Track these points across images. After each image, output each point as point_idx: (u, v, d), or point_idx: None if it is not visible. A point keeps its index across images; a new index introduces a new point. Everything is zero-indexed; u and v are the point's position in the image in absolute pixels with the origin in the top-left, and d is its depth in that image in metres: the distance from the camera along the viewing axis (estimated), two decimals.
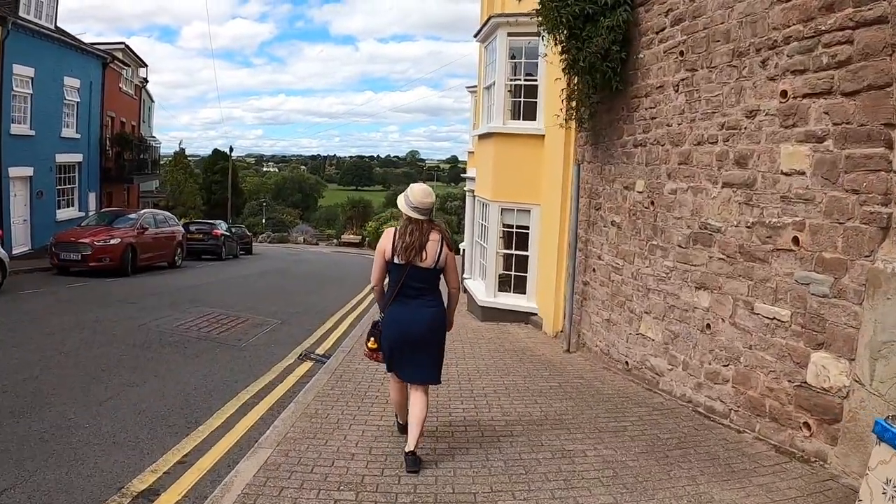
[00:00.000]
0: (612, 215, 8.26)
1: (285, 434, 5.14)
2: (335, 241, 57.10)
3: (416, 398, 4.62)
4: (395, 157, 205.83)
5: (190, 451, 5.15)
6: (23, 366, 7.20)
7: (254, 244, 42.70)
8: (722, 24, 6.07)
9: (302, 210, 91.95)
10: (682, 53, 6.86)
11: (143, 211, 20.06)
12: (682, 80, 6.86)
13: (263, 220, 70.76)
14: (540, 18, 8.37)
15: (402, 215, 4.63)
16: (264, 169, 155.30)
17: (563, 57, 8.39)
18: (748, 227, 5.69)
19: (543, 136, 10.92)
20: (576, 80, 8.50)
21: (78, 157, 23.14)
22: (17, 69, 19.07)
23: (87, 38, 25.36)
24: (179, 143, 72.63)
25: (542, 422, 5.74)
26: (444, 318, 4.72)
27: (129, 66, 28.72)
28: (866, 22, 4.42)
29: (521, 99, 11.39)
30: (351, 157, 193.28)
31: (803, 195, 5.00)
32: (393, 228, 4.66)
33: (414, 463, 4.47)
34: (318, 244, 56.22)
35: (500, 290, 11.51)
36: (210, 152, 65.66)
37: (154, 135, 38.26)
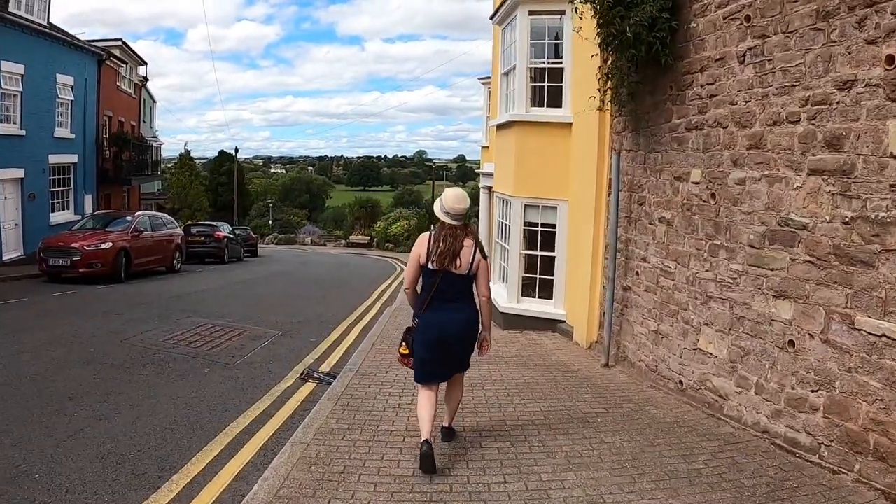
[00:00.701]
0: (659, 210, 7.15)
1: (277, 490, 4.04)
2: (343, 241, 56.05)
3: (455, 385, 4.93)
4: (402, 156, 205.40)
5: None
6: None
7: (260, 246, 41.82)
8: None
9: (309, 211, 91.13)
10: (747, 19, 5.76)
11: (138, 213, 19.00)
12: (750, 49, 5.76)
13: (270, 222, 69.84)
14: None
15: (436, 220, 4.68)
16: (272, 170, 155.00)
17: (601, 31, 7.30)
18: (845, 224, 4.59)
19: (571, 123, 9.81)
20: (615, 57, 7.39)
21: (73, 158, 22.16)
22: (6, 66, 18.14)
23: (86, 38, 24.44)
24: (185, 145, 71.66)
25: (597, 465, 4.63)
26: (477, 322, 4.74)
27: (126, 63, 27.71)
28: None
29: (546, 84, 10.28)
30: (358, 157, 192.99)
31: None
32: (427, 234, 4.69)
33: (449, 434, 4.99)
34: (325, 245, 55.25)
35: (523, 294, 10.40)
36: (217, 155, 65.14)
37: (156, 135, 37.39)
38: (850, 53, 4.61)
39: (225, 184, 58.88)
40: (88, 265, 15.05)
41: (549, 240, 10.17)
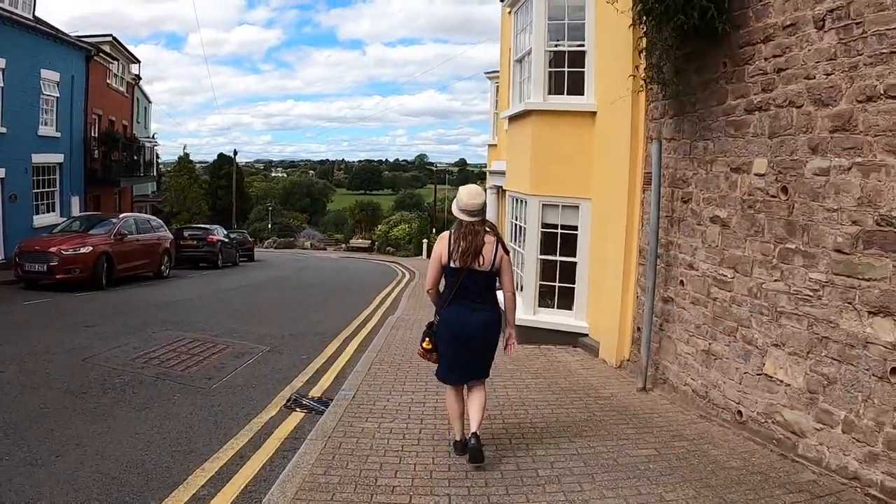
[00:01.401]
0: (711, 208, 6.05)
1: None
2: (343, 245, 54.87)
3: (476, 392, 4.73)
4: (403, 160, 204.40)
5: None
6: None
7: (258, 250, 40.75)
8: None
9: (310, 215, 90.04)
10: None
11: (122, 215, 17.86)
12: (830, 11, 4.70)
13: (269, 225, 68.73)
14: None
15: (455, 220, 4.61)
16: (273, 174, 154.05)
17: None
18: None
19: (594, 113, 8.72)
20: (656, 29, 6.31)
21: (58, 158, 21.04)
22: None
23: (81, 35, 23.35)
24: (184, 148, 70.65)
25: None
26: (498, 325, 4.67)
27: (117, 60, 26.60)
28: None
29: (565, 69, 9.19)
30: (360, 161, 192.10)
31: None
32: (448, 232, 4.62)
33: (478, 441, 4.50)
34: (325, 249, 54.10)
35: (539, 305, 9.29)
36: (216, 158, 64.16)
37: (153, 136, 36.34)
38: None
39: (224, 187, 57.95)
40: (66, 271, 13.94)
41: (569, 243, 9.07)
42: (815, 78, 4.83)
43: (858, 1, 4.45)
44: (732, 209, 5.70)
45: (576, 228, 8.96)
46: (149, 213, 31.15)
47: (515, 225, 10.18)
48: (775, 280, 5.16)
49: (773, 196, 5.21)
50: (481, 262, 4.46)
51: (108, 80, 25.93)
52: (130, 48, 28.80)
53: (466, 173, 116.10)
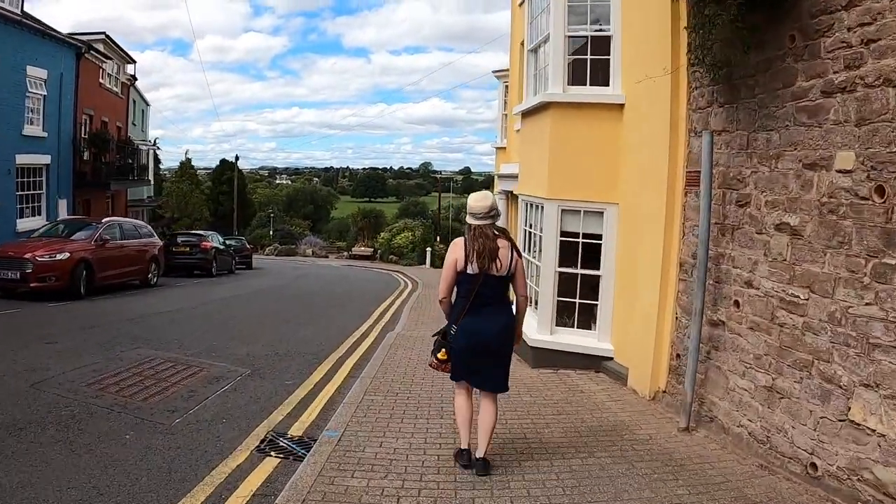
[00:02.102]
0: (776, 213, 4.99)
1: None
2: (346, 253, 53.76)
3: (487, 407, 4.59)
4: (408, 168, 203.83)
5: None
6: None
7: (259, 257, 39.72)
8: None
9: (313, 222, 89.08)
10: None
11: (106, 219, 16.81)
12: None
13: (271, 232, 67.75)
14: None
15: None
16: (277, 181, 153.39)
17: None
18: None
19: (622, 105, 7.68)
20: (704, 2, 5.28)
21: (44, 159, 20.00)
22: None
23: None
24: (185, 153, 69.72)
25: None
26: (514, 329, 4.63)
27: (111, 59, 25.60)
28: None
29: (588, 56, 8.15)
30: (364, 168, 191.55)
31: None
32: (462, 238, 4.57)
33: (484, 467, 4.48)
34: (327, 257, 53.02)
35: (557, 323, 8.23)
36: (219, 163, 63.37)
37: (154, 140, 35.43)
38: None
39: (226, 193, 57.21)
40: (41, 279, 12.88)
41: (591, 254, 8.01)
42: None
43: None
44: (806, 214, 4.64)
45: (599, 237, 7.91)
46: (145, 219, 30.25)
47: (529, 233, 9.12)
48: (867, 304, 4.10)
49: (863, 198, 4.16)
50: (499, 267, 4.42)
51: (100, 80, 24.95)
52: (133, 53, 27.93)
53: (471, 181, 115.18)
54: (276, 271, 29.77)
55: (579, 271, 8.05)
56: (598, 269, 7.96)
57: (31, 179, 19.71)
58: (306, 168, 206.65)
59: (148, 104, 36.70)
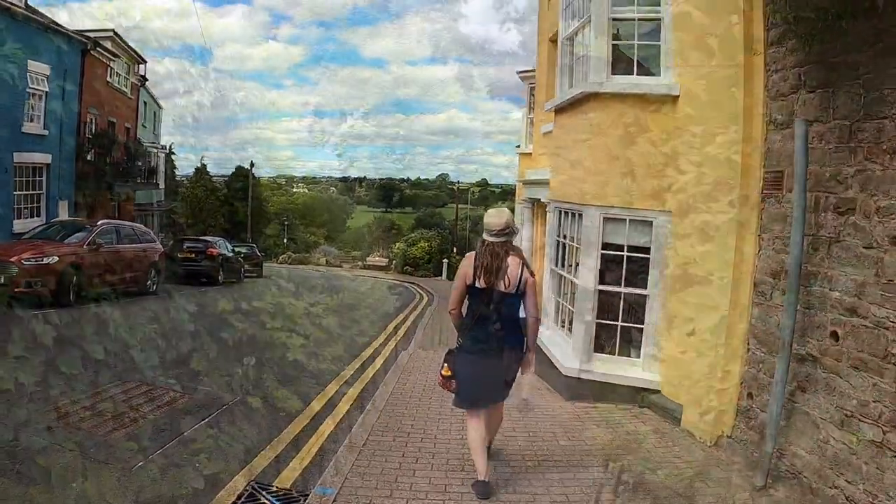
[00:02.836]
0: (893, 223, 3.87)
1: None
2: (360, 263, 52.73)
3: (494, 413, 4.73)
4: (424, 179, 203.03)
5: None
6: None
7: (272, 265, 38.73)
8: None
9: (329, 231, 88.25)
10: None
11: (101, 222, 15.82)
12: None
13: (285, 240, 66.99)
14: None
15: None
16: (294, 189, 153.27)
17: None
18: None
19: (676, 97, 6.58)
20: None
21: (45, 158, 19.11)
22: None
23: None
24: (201, 158, 68.87)
25: None
26: (521, 348, 4.54)
27: (119, 57, 24.78)
28: None
29: (635, 42, 7.09)
30: (381, 178, 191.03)
31: None
32: (474, 252, 4.58)
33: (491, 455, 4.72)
34: (341, 266, 52.01)
35: (595, 349, 7.12)
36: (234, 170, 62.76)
37: (164, 144, 34.66)
38: None
39: (241, 199, 56.46)
40: (26, 284, 11.91)
41: (637, 270, 6.91)
42: None
43: None
44: None
45: (647, 250, 6.79)
46: (154, 224, 29.45)
47: (562, 244, 8.02)
48: None
49: None
50: (507, 284, 4.38)
51: (108, 79, 24.11)
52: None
53: (487, 193, 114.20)
54: (286, 281, 28.68)
55: (623, 289, 6.93)
56: (644, 287, 6.85)
57: (30, 179, 18.79)
58: (324, 177, 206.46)
59: (160, 106, 35.91)
